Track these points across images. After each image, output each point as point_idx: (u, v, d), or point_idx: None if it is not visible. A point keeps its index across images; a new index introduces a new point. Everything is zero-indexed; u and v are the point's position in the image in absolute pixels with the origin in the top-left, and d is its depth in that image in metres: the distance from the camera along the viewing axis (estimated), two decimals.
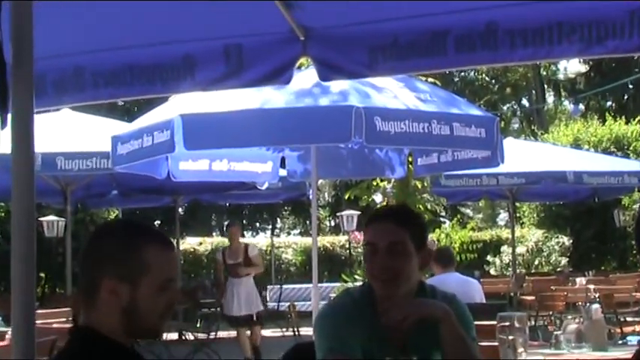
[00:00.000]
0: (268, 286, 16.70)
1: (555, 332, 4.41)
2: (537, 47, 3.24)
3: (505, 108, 38.52)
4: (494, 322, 3.22)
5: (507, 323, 2.63)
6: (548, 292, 11.03)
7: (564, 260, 19.28)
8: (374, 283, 2.47)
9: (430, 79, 8.31)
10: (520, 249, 19.01)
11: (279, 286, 16.09)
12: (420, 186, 9.87)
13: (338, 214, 18.57)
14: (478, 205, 35.63)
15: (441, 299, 2.46)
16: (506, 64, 4.76)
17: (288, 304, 13.69)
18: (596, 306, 4.17)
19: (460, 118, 5.45)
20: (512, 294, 12.85)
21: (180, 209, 16.11)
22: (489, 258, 19.75)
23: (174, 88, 3.66)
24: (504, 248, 19.50)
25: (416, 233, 2.47)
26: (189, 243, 20.45)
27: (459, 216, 19.91)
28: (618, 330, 7.68)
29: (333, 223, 33.60)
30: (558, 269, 18.25)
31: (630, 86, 35.69)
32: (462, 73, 37.24)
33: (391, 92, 5.46)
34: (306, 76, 5.27)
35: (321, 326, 2.48)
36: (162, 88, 3.63)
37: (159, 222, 20.69)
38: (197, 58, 3.51)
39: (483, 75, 38.71)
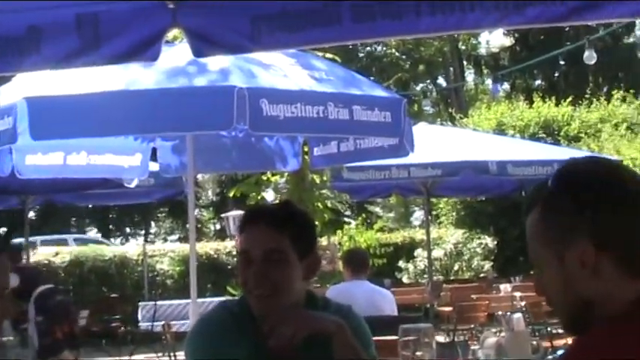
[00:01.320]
0: (140, 303, 16.54)
1: (472, 347, 4.55)
2: (446, 15, 3.31)
3: (418, 88, 39.23)
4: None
5: (412, 337, 2.71)
6: (468, 302, 11.33)
7: (488, 265, 19.82)
8: (249, 297, 2.48)
9: (329, 55, 8.41)
10: (437, 252, 19.45)
11: (152, 303, 15.94)
12: (318, 180, 9.96)
13: (223, 215, 18.55)
14: (389, 203, 36.20)
15: (335, 312, 2.50)
16: (412, 35, 4.88)
17: (163, 323, 13.59)
18: (518, 315, 4.32)
19: (361, 100, 5.53)
20: (428, 305, 13.13)
21: (30, 212, 15.73)
22: (401, 264, 20.12)
23: (16, 65, 3.60)
24: (419, 252, 19.89)
25: (299, 237, 2.47)
26: (42, 253, 19.98)
27: (364, 215, 20.16)
28: (547, 343, 7.95)
29: (218, 227, 33.50)
30: (481, 275, 18.77)
31: (561, 62, 37.01)
32: (368, 48, 37.74)
33: (280, 70, 5.50)
34: (178, 51, 5.26)
35: (194, 346, 2.48)
36: (3, 66, 3.57)
37: (4, 228, 20.16)
38: (44, 30, 3.47)
39: (393, 50, 39.29)
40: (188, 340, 2.53)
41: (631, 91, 24.69)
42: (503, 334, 4.53)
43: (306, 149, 7.46)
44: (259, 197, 10.24)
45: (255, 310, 2.48)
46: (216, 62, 5.27)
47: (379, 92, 6.01)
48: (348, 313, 2.56)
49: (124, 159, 7.26)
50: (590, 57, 14.61)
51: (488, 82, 40.40)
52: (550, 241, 1.60)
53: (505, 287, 13.26)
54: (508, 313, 4.33)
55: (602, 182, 1.59)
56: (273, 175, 10.07)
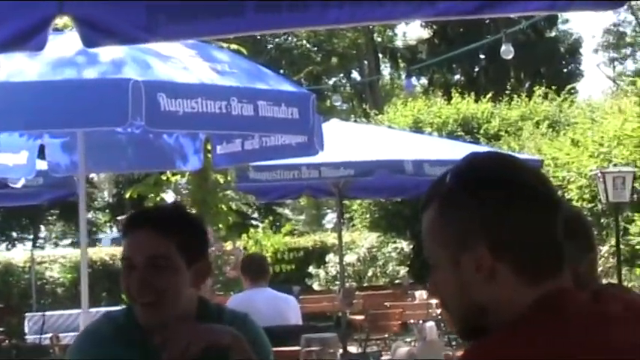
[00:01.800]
0: (27, 314, 16.24)
1: (384, 358, 4.62)
2: (355, 7, 3.35)
3: (331, 82, 39.40)
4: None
5: (315, 348, 2.74)
6: (381, 310, 11.44)
7: (403, 270, 20.03)
8: (134, 307, 2.47)
9: (234, 46, 8.39)
10: (350, 257, 19.58)
11: (41, 314, 15.67)
12: (222, 180, 9.93)
13: (120, 218, 18.34)
14: (299, 205, 36.32)
15: (230, 321, 2.51)
16: (320, 26, 4.91)
17: (51, 335, 13.39)
18: (430, 324, 4.40)
19: (267, 94, 5.54)
20: (340, 313, 13.21)
21: None
22: (312, 269, 20.20)
23: None
24: (330, 257, 20.01)
25: (187, 242, 2.47)
26: None
27: (271, 218, 20.18)
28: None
29: (115, 230, 33.12)
30: (396, 281, 18.97)
31: (482, 57, 37.63)
32: (277, 39, 37.74)
33: (180, 62, 5.47)
34: (67, 40, 5.18)
35: None
36: None
37: None
38: None
39: (304, 41, 39.37)
40: (69, 353, 2.50)
41: (553, 87, 25.26)
42: (416, 343, 4.60)
43: (208, 147, 7.44)
44: (158, 199, 10.16)
45: (141, 320, 2.47)
46: (109, 53, 5.21)
47: (286, 87, 6.02)
48: (245, 323, 2.56)
49: (8, 157, 7.13)
50: (507, 51, 14.88)
51: (404, 75, 40.89)
52: (447, 241, 1.61)
53: (421, 294, 13.44)
54: (421, 322, 4.39)
55: (501, 181, 1.59)
56: (173, 174, 9.99)
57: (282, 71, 33.60)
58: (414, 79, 41.16)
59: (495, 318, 1.59)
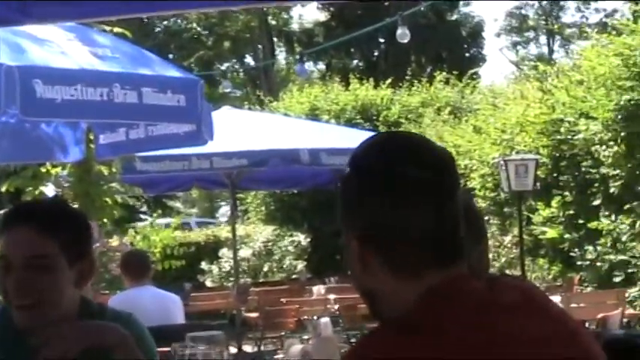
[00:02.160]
0: None
1: (278, 356, 4.64)
2: None
3: (224, 67, 39.25)
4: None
5: (202, 347, 2.74)
6: (277, 307, 11.47)
7: (301, 265, 20.12)
8: (12, 309, 2.43)
9: (118, 30, 8.27)
10: (244, 252, 19.56)
11: None
12: (106, 172, 9.77)
13: None
14: (191, 197, 36.13)
15: (113, 321, 2.49)
16: (209, 9, 4.88)
17: None
18: (325, 320, 4.43)
19: (152, 81, 5.50)
20: (234, 311, 13.21)
21: None
22: (204, 265, 20.13)
23: None
24: (224, 252, 19.95)
25: (69, 240, 2.43)
26: None
27: (160, 211, 20.02)
28: None
29: None
30: (293, 276, 19.03)
31: (381, 40, 37.96)
32: (166, 22, 37.38)
33: (57, 46, 5.38)
34: None
35: None
36: None
37: None
38: None
39: (194, 24, 39.08)
40: None
41: (454, 72, 25.60)
42: (311, 340, 4.64)
43: (91, 137, 7.33)
44: (37, 192, 9.96)
45: (18, 323, 2.43)
46: None
47: (173, 72, 5.99)
48: (129, 322, 2.54)
49: None
50: (403, 35, 15.04)
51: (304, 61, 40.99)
52: (343, 222, 1.65)
53: (319, 289, 13.52)
54: (315, 318, 4.43)
55: (383, 169, 1.60)
56: (53, 166, 9.80)
57: (170, 56, 33.32)
58: (310, 64, 41.31)
59: (384, 306, 1.62)
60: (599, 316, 9.72)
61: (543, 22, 47.44)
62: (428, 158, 1.63)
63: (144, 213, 27.85)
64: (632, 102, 12.33)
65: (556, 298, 11.01)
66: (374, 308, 1.64)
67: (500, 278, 1.70)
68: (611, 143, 13.08)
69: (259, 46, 40.77)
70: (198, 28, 39.46)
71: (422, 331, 1.53)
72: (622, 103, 12.48)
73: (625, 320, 12.08)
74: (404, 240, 1.59)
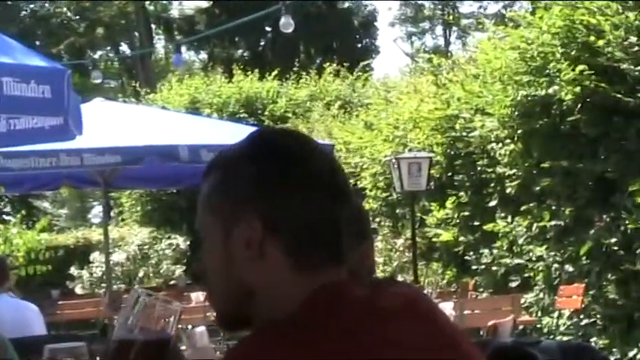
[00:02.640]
0: None
1: None
2: None
3: (97, 56, 38.78)
4: None
5: (62, 359, 2.71)
6: None
7: (179, 269, 20.02)
8: None
9: None
10: (118, 256, 19.38)
11: None
12: None
13: None
14: (61, 196, 35.64)
15: None
16: None
17: None
18: (201, 329, 4.43)
19: (13, 70, 5.41)
20: (106, 320, 13.08)
21: None
22: (74, 270, 19.87)
23: None
24: (95, 256, 19.74)
25: None
26: None
27: (24, 212, 19.69)
28: None
29: None
30: (171, 282, 18.94)
31: (268, 29, 38.01)
32: (32, 5, 36.76)
33: None
34: None
35: None
36: None
37: None
38: None
39: (64, 9, 38.52)
40: None
41: (345, 64, 25.78)
42: (186, 352, 4.62)
43: None
44: None
45: None
46: None
47: (37, 61, 5.90)
48: None
49: None
50: (287, 24, 15.04)
51: (182, 50, 40.79)
52: (222, 209, 1.65)
53: (197, 296, 13.45)
54: (189, 327, 4.42)
55: (285, 156, 1.65)
56: None
57: (37, 43, 32.77)
58: (192, 54, 41.08)
59: (263, 306, 1.62)
60: (490, 323, 9.91)
61: (440, 12, 48.12)
62: (330, 158, 1.72)
63: (7, 214, 27.35)
64: (529, 98, 12.58)
65: (449, 304, 11.21)
66: (244, 309, 1.64)
67: (384, 283, 1.73)
68: (508, 141, 13.34)
69: (136, 34, 40.39)
70: (69, 13, 38.88)
71: (303, 335, 1.54)
72: (519, 98, 12.72)
73: (520, 327, 12.37)
74: (308, 231, 1.63)
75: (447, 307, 11.11)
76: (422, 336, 1.62)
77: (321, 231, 1.64)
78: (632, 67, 11.05)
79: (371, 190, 17.22)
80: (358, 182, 17.57)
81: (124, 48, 43.06)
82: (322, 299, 1.59)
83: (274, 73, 24.94)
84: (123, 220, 23.74)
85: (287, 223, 1.62)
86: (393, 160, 14.30)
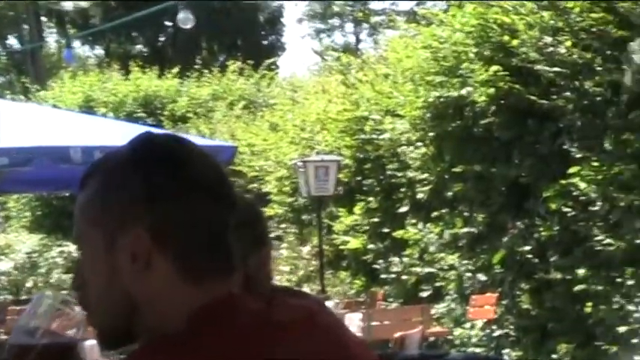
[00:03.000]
0: None
1: None
2: None
3: None
4: None
5: None
6: None
7: (69, 278, 19.80)
8: None
9: None
10: (4, 265, 19.11)
11: None
12: None
13: None
14: None
15: None
16: None
17: None
18: (91, 342, 4.40)
19: None
20: None
21: None
22: None
23: None
24: None
25: None
26: None
27: None
28: None
29: None
30: (63, 292, 18.71)
31: (168, 24, 37.79)
32: None
33: None
34: None
35: None
36: None
37: None
38: None
39: None
40: None
41: (250, 61, 25.74)
42: None
43: None
44: None
45: None
46: None
47: None
48: None
49: None
50: (185, 20, 14.99)
51: (76, 44, 40.33)
52: (104, 218, 1.63)
53: None
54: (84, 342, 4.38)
55: (177, 164, 1.64)
56: None
57: None
58: (86, 49, 40.67)
59: (150, 321, 1.61)
60: (397, 335, 10.00)
61: (350, 9, 48.30)
62: (215, 164, 1.71)
63: None
64: (441, 99, 12.72)
65: (357, 315, 11.29)
66: (126, 324, 1.63)
67: (284, 294, 1.74)
68: (419, 144, 13.47)
69: (25, 27, 39.81)
70: None
71: (191, 351, 1.54)
72: (431, 100, 12.85)
73: (431, 339, 12.50)
74: (199, 241, 1.63)
75: (355, 318, 11.19)
76: (318, 350, 1.64)
77: (210, 239, 1.64)
78: (546, 68, 11.24)
79: (276, 195, 17.24)
80: (262, 186, 17.59)
81: (12, 42, 42.45)
82: (212, 312, 1.60)
83: (174, 70, 24.82)
84: (10, 226, 23.39)
85: (174, 232, 1.61)
86: (300, 164, 14.34)
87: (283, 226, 17.32)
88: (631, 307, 10.26)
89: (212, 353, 1.55)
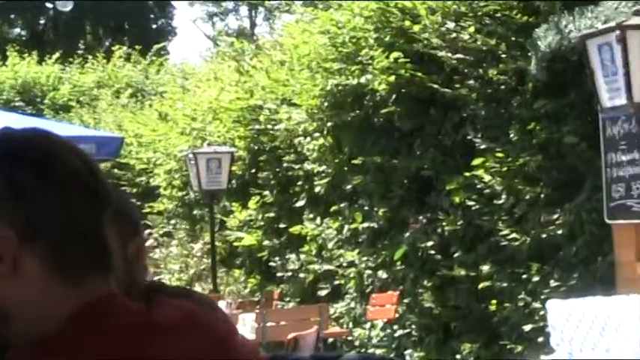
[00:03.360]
0: None
1: None
2: None
3: None
4: None
5: None
6: None
7: None
8: None
9: None
10: None
11: None
12: None
13: None
14: None
15: None
16: None
17: None
18: None
19: None
20: None
21: None
22: None
23: None
24: None
25: None
26: None
27: None
28: None
29: None
30: None
31: (49, 6, 37.32)
32: None
33: None
34: None
35: None
36: None
37: None
38: None
39: None
40: None
41: (137, 47, 25.56)
42: None
43: None
44: None
45: None
46: None
47: None
48: None
49: None
50: (64, 2, 14.85)
51: None
52: None
53: None
54: None
55: (46, 158, 1.63)
56: None
57: None
58: None
59: (21, 327, 1.59)
60: (290, 336, 10.02)
61: None
62: (87, 158, 1.69)
63: None
64: (339, 87, 12.75)
65: (251, 316, 11.28)
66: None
67: (163, 293, 1.73)
68: (317, 135, 13.49)
69: None
70: None
71: (66, 356, 1.53)
72: (328, 88, 12.87)
73: (330, 340, 12.55)
74: (68, 239, 1.62)
75: (249, 319, 11.17)
76: (199, 352, 1.64)
77: (84, 237, 1.63)
78: (449, 54, 11.35)
79: (165, 189, 17.15)
80: (151, 180, 17.48)
81: None
82: (90, 313, 1.59)
83: (55, 56, 24.54)
84: None
85: (45, 230, 1.60)
86: (190, 156, 14.30)
87: (173, 222, 17.24)
88: (537, 305, 10.40)
89: (88, 355, 1.53)
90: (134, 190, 18.10)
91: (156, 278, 15.39)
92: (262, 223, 14.88)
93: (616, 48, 7.34)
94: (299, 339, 9.99)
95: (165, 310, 1.65)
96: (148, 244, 16.92)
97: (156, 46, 26.49)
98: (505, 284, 10.90)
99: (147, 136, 18.01)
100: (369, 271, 12.86)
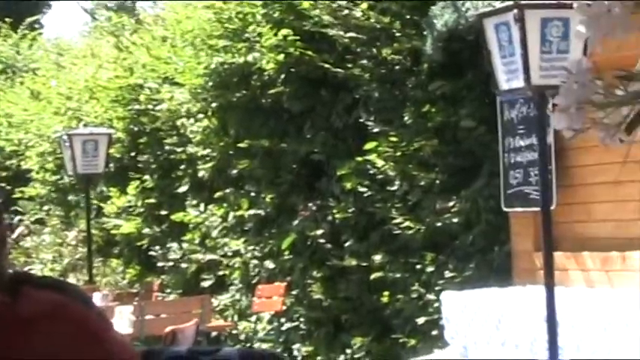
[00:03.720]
0: None
1: None
2: None
3: None
4: None
5: None
6: None
7: None
8: None
9: None
10: None
11: None
12: None
13: None
14: None
15: None
16: None
17: None
18: None
19: None
20: None
21: None
22: None
23: None
24: None
25: None
26: None
27: None
28: None
29: None
30: None
31: None
32: None
33: None
34: None
35: None
36: None
37: None
38: None
39: None
40: None
41: (7, 19, 25.19)
42: None
43: None
44: None
45: None
46: None
47: None
48: None
49: None
50: None
51: None
52: None
53: None
54: None
55: None
56: None
57: None
58: None
59: None
60: (168, 329, 9.98)
61: None
62: None
63: None
64: (225, 66, 12.72)
65: (129, 308, 11.22)
66: None
67: (30, 284, 1.71)
68: (201, 116, 13.45)
69: None
70: None
71: None
72: (213, 66, 12.84)
73: (214, 334, 12.53)
74: None
75: (126, 312, 11.11)
76: (66, 346, 1.62)
77: None
78: (341, 33, 11.38)
79: (38, 173, 16.96)
80: (22, 163, 17.26)
81: None
82: None
83: None
84: None
85: None
86: (65, 137, 14.14)
87: (46, 208, 17.06)
88: (431, 296, 10.51)
89: None
90: (4, 174, 17.90)
91: (27, 268, 15.24)
92: (142, 210, 14.79)
93: (514, 28, 7.40)
94: (177, 332, 9.97)
95: (30, 303, 1.63)
96: (18, 231, 16.73)
97: (28, 20, 26.09)
98: (398, 275, 10.98)
99: (18, 116, 17.79)
100: (255, 261, 12.86)
